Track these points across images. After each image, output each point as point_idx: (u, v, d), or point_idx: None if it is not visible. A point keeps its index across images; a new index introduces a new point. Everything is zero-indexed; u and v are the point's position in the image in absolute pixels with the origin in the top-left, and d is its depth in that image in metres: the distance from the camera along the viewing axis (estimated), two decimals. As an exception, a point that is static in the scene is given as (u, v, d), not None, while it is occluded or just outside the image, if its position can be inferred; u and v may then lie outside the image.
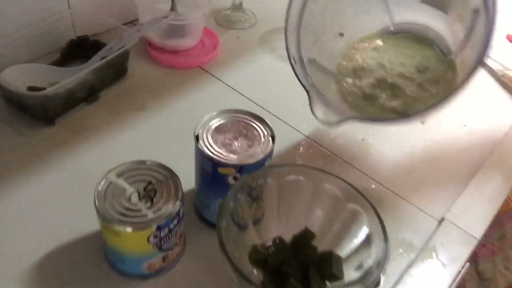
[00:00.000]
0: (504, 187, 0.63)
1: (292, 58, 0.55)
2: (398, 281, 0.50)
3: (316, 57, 0.58)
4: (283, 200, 0.46)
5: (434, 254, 0.53)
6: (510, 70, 0.85)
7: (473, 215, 0.58)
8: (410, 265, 0.52)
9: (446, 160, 0.67)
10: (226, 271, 0.39)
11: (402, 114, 0.55)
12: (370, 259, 0.42)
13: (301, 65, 0.56)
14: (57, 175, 0.57)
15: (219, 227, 0.38)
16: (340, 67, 0.62)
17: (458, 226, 0.57)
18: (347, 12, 0.62)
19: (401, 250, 0.54)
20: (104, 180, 0.45)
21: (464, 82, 0.44)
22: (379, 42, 0.64)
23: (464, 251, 0.54)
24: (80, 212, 0.51)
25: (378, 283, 0.37)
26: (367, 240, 0.43)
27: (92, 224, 0.45)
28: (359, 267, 0.42)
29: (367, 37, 0.65)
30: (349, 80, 0.60)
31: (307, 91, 0.54)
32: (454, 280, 0.51)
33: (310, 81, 0.56)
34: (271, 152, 0.47)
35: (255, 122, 0.50)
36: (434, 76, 0.58)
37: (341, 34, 0.63)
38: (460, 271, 0.52)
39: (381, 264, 0.38)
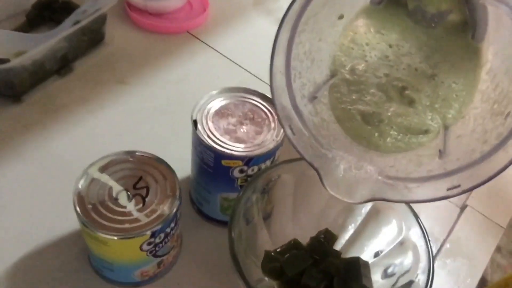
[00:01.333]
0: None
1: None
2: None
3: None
4: (299, 198, 0.40)
5: (458, 246, 0.48)
6: None
7: (496, 202, 0.53)
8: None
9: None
10: (227, 270, 0.33)
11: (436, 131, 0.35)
12: (402, 263, 0.36)
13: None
14: (26, 164, 0.49)
15: (232, 239, 0.32)
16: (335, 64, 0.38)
17: (482, 214, 0.52)
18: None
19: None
20: (85, 176, 0.37)
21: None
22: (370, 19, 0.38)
23: (490, 242, 0.49)
24: (57, 209, 0.44)
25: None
26: (399, 241, 0.37)
27: (72, 222, 0.38)
28: (390, 274, 0.36)
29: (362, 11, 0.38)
30: (343, 90, 0.37)
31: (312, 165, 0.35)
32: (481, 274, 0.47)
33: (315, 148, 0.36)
34: (283, 140, 0.40)
35: (263, 103, 0.42)
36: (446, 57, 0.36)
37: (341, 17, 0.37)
38: (486, 265, 0.48)
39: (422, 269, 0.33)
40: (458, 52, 0.34)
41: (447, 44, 0.34)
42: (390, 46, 0.36)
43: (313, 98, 0.35)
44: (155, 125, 0.55)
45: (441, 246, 0.48)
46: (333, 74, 0.36)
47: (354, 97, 0.36)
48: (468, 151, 0.32)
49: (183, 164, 0.47)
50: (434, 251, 0.48)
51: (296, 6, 0.29)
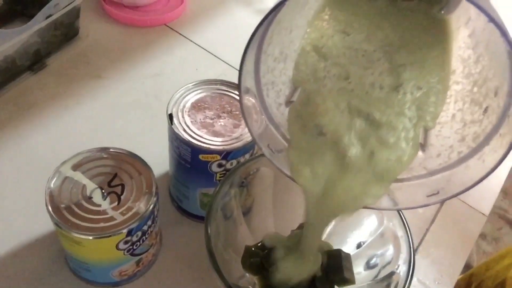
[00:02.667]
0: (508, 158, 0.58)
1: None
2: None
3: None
4: (279, 191, 0.39)
5: (441, 234, 0.48)
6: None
7: (478, 190, 0.53)
8: (416, 249, 0.47)
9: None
10: (208, 267, 0.32)
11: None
12: (383, 255, 0.35)
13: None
14: None
15: (208, 235, 0.31)
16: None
17: (464, 202, 0.52)
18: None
19: (404, 232, 0.48)
20: (57, 175, 0.36)
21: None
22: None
23: (473, 229, 0.49)
24: (32, 209, 0.43)
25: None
26: (380, 232, 0.36)
27: (48, 222, 0.37)
28: (372, 265, 0.36)
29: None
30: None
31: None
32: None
33: None
34: (262, 132, 0.39)
35: (241, 95, 0.41)
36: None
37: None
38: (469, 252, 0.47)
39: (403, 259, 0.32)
40: (425, 32, 0.32)
41: (413, 25, 0.32)
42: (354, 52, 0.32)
43: (289, 102, 0.34)
44: (132, 120, 0.53)
45: (424, 235, 0.48)
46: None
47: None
48: (447, 147, 0.31)
49: (161, 160, 0.46)
50: (418, 240, 0.48)
51: (260, 31, 0.27)
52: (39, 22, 0.53)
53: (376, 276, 0.35)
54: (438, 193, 0.31)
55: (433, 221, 0.49)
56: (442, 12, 0.32)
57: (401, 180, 0.32)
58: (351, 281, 0.34)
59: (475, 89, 0.30)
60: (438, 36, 0.32)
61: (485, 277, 0.81)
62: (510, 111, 0.26)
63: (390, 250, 0.35)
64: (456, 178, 0.30)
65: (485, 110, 0.29)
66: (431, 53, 0.32)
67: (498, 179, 0.55)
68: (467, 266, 1.42)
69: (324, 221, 0.34)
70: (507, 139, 0.26)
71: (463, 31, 0.31)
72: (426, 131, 0.32)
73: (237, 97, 0.41)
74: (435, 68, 0.31)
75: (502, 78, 0.26)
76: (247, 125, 0.31)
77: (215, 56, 0.63)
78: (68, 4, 0.55)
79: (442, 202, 0.51)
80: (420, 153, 0.32)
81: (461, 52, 0.31)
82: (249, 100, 0.32)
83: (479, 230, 0.49)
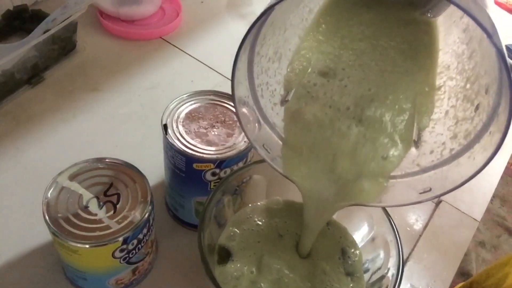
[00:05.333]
0: (499, 163, 0.59)
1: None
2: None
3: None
4: (272, 197, 0.39)
5: (434, 239, 0.49)
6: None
7: (470, 195, 0.54)
8: (409, 254, 0.47)
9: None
10: (204, 275, 0.32)
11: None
12: (374, 259, 0.36)
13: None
14: (-2, 175, 0.48)
15: (202, 244, 0.31)
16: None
17: (456, 208, 0.52)
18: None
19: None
20: (54, 185, 0.37)
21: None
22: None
23: (465, 235, 0.50)
24: (30, 219, 0.44)
25: None
26: (370, 236, 0.37)
27: (45, 232, 0.37)
28: (365, 270, 0.36)
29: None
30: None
31: None
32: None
33: None
34: (254, 141, 0.40)
35: (234, 105, 0.42)
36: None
37: None
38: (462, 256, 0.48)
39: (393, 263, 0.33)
40: (411, 35, 0.33)
41: (400, 31, 0.33)
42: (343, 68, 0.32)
43: (285, 101, 0.35)
44: (129, 131, 0.54)
45: (417, 241, 0.49)
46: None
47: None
48: (440, 144, 0.32)
49: (157, 170, 0.46)
50: (411, 246, 0.48)
51: (251, 36, 0.28)
52: (37, 37, 0.54)
53: (368, 281, 0.36)
54: (430, 190, 0.31)
55: (425, 227, 0.50)
56: (429, 15, 0.33)
57: (395, 177, 0.33)
58: None
59: (468, 86, 0.31)
60: (423, 39, 0.33)
61: (486, 285, 0.81)
62: (499, 109, 0.26)
63: (381, 255, 0.35)
64: (447, 175, 0.31)
65: (477, 108, 0.29)
66: (419, 55, 0.33)
67: (489, 183, 0.55)
68: (467, 274, 1.42)
69: (322, 219, 0.35)
70: (496, 137, 0.26)
71: (458, 25, 0.32)
72: (420, 128, 0.33)
73: (231, 107, 0.42)
74: (420, 73, 0.32)
75: (492, 76, 0.27)
76: (240, 125, 0.32)
77: (211, 68, 0.64)
78: (66, 19, 0.56)
79: (435, 207, 0.52)
80: (413, 150, 0.33)
81: (456, 47, 0.32)
82: (244, 102, 0.33)
83: (471, 235, 0.50)
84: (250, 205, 0.40)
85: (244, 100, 0.33)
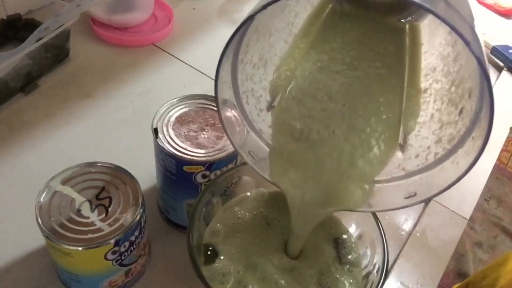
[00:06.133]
0: (488, 161, 0.59)
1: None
2: (390, 268, 0.46)
3: None
4: (261, 198, 0.40)
5: (423, 238, 0.50)
6: (483, 34, 0.82)
7: (459, 193, 0.55)
8: (399, 253, 0.48)
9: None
10: (196, 277, 0.33)
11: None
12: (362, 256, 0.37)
13: None
14: (-7, 182, 0.48)
15: (191, 245, 0.32)
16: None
17: (445, 207, 0.53)
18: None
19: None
20: (47, 189, 0.38)
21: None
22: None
23: (454, 233, 0.51)
24: (24, 224, 0.44)
25: None
26: (358, 234, 0.38)
27: (39, 237, 0.38)
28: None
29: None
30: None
31: None
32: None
33: None
34: (244, 143, 0.41)
35: (223, 108, 0.43)
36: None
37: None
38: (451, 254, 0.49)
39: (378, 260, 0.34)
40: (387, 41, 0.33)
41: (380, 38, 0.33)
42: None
43: (271, 107, 0.35)
44: (121, 136, 0.55)
45: (407, 239, 0.50)
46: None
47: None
48: (425, 148, 0.32)
49: (150, 174, 0.47)
50: (401, 244, 0.49)
51: (233, 44, 0.28)
52: (30, 45, 0.55)
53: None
54: (415, 194, 0.31)
55: (415, 225, 0.51)
56: (411, 18, 0.33)
57: (381, 182, 0.34)
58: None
59: (453, 89, 0.31)
60: (404, 47, 0.33)
61: (482, 285, 0.81)
62: (481, 115, 0.26)
63: (368, 252, 0.36)
64: (432, 180, 0.31)
65: (461, 112, 0.29)
66: (401, 65, 0.33)
67: (478, 182, 0.56)
68: (464, 275, 1.43)
69: (309, 224, 0.35)
70: (478, 143, 0.26)
71: (444, 27, 0.32)
72: (406, 132, 0.33)
73: (220, 111, 0.43)
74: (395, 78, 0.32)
75: (475, 81, 0.27)
76: (226, 133, 0.32)
77: (202, 73, 0.65)
78: (58, 27, 0.57)
79: (425, 206, 0.53)
80: (399, 154, 0.33)
81: (441, 49, 0.32)
82: (229, 110, 0.33)
83: (460, 233, 0.51)
84: (234, 199, 0.40)
85: (229, 109, 0.33)
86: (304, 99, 0.33)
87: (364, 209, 0.34)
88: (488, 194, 1.73)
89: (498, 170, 1.83)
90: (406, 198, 0.32)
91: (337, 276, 0.35)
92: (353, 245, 0.37)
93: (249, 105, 0.34)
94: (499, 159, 1.99)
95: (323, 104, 0.32)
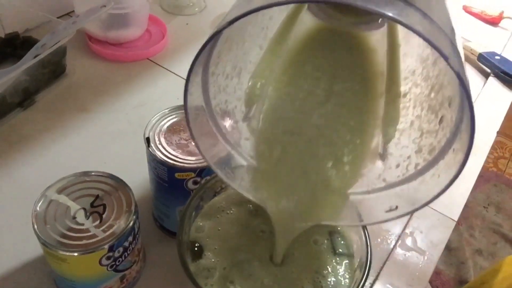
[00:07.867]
0: (475, 163, 0.61)
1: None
2: (380, 270, 0.47)
3: None
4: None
5: (412, 240, 0.51)
6: (469, 41, 0.84)
7: (448, 196, 0.56)
8: (389, 255, 0.49)
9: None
10: (190, 284, 0.34)
11: None
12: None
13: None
14: (-8, 194, 0.50)
15: (181, 251, 0.33)
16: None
17: (433, 209, 0.54)
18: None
19: (378, 240, 0.50)
20: (43, 198, 0.39)
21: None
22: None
23: (443, 235, 0.52)
24: (21, 234, 0.45)
25: None
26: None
27: (36, 246, 0.39)
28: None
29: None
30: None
31: None
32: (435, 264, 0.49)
33: None
34: (233, 150, 0.42)
35: (213, 117, 0.45)
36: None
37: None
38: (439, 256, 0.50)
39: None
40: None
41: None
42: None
43: (247, 118, 0.34)
44: (117, 148, 0.56)
45: (396, 241, 0.51)
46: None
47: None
48: (405, 158, 0.31)
49: (145, 184, 0.48)
50: (390, 246, 0.50)
51: (201, 59, 0.27)
52: (27, 62, 0.57)
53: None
54: (396, 208, 0.30)
55: (404, 228, 0.52)
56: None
57: (361, 194, 0.33)
58: None
59: (432, 95, 0.30)
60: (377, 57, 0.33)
61: (480, 291, 0.82)
62: (462, 126, 0.25)
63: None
64: (414, 193, 0.30)
65: (441, 120, 0.29)
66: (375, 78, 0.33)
67: (466, 184, 0.58)
68: (465, 282, 1.43)
69: (289, 236, 0.35)
70: (459, 156, 0.25)
71: None
72: (386, 140, 0.32)
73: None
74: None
75: (455, 89, 0.26)
76: (198, 149, 0.31)
77: (195, 85, 0.67)
78: (55, 44, 0.59)
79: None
80: (379, 163, 0.32)
81: (420, 50, 0.31)
82: (201, 125, 0.31)
83: (449, 235, 0.52)
84: (218, 197, 0.40)
85: (202, 124, 0.31)
86: (279, 119, 0.32)
87: (346, 223, 0.34)
88: (487, 201, 1.74)
89: (496, 177, 1.84)
90: (387, 211, 0.31)
91: (330, 269, 0.36)
92: (347, 235, 0.38)
93: (223, 120, 0.33)
94: (496, 166, 2.00)
95: (298, 121, 0.31)
